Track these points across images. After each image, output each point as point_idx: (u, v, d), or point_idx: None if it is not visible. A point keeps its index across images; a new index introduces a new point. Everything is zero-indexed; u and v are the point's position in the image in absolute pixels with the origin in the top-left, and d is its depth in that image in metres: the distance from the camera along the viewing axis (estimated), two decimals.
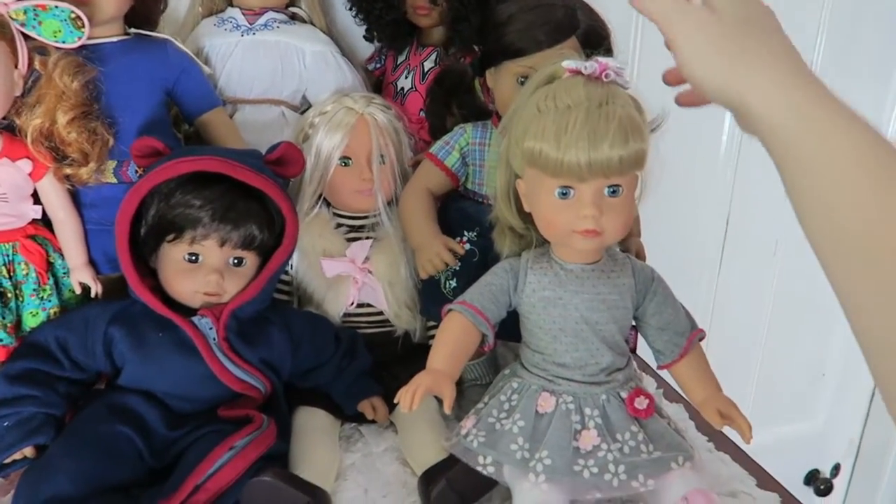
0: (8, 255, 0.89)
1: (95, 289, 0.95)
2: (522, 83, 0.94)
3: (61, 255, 0.94)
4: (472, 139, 1.03)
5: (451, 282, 1.00)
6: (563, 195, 0.78)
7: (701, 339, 0.90)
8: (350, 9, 1.22)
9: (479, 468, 0.81)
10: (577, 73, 0.79)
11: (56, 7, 0.85)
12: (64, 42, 0.87)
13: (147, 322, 0.89)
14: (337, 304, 1.06)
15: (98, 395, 0.91)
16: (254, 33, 1.13)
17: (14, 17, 0.84)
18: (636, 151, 0.76)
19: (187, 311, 0.90)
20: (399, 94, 1.23)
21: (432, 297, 1.01)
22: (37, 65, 0.87)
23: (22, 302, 0.90)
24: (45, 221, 0.94)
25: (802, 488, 2.13)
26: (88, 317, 0.90)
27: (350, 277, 1.05)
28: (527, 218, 0.87)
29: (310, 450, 0.91)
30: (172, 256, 0.90)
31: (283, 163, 0.95)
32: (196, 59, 1.05)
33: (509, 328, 0.90)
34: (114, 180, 0.95)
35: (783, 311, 1.88)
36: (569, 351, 0.84)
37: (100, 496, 0.78)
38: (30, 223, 0.91)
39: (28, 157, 0.88)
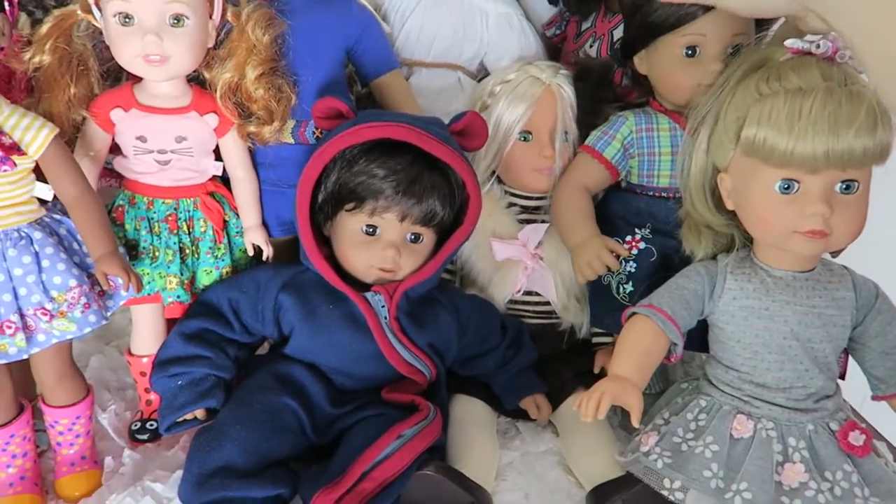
0: (189, 211, 0.88)
1: (267, 251, 0.93)
2: (689, 55, 0.86)
3: (236, 214, 0.92)
4: (636, 126, 0.93)
5: (625, 286, 0.90)
6: (786, 189, 0.70)
7: None
8: None
9: (665, 492, 0.74)
10: (804, 53, 0.70)
11: None
12: None
13: (318, 292, 0.86)
14: (503, 290, 0.99)
15: (263, 361, 0.89)
16: None
17: None
18: (883, 142, 0.67)
19: (359, 286, 0.86)
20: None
21: (604, 304, 0.92)
22: (229, 16, 0.84)
23: (198, 259, 0.89)
24: (223, 180, 0.92)
25: None
26: (260, 281, 0.87)
27: (520, 262, 0.98)
28: (727, 215, 0.78)
29: (470, 444, 0.86)
30: (349, 227, 0.85)
31: (467, 134, 0.88)
32: (377, 16, 1.00)
33: (692, 336, 0.81)
34: (291, 141, 0.92)
35: None
36: (771, 370, 0.76)
37: (266, 469, 0.76)
38: (209, 180, 0.90)
39: (215, 112, 0.86)
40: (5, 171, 0.70)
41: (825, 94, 0.66)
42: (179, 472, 0.79)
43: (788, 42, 0.71)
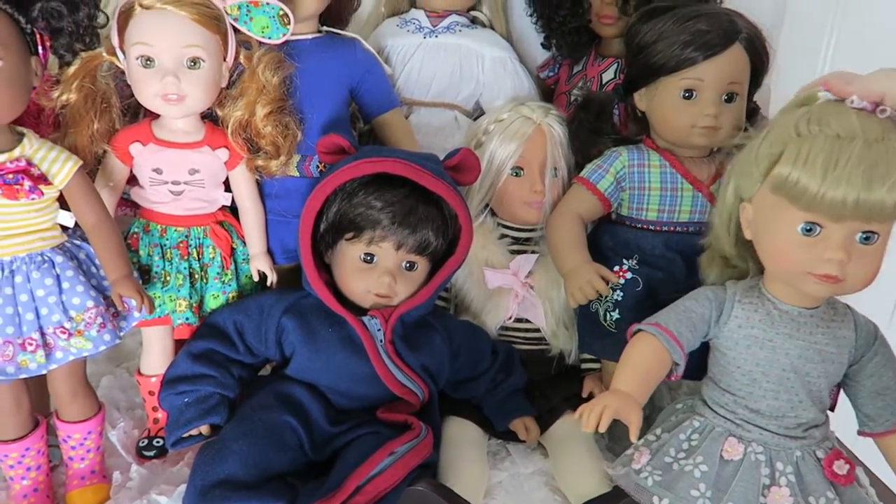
0: (199, 239, 0.93)
1: (272, 278, 0.98)
2: (687, 97, 0.91)
3: (243, 242, 0.97)
4: (628, 161, 0.97)
5: (612, 314, 0.94)
6: (808, 231, 0.70)
7: None
8: (531, 15, 1.19)
9: None
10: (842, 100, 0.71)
11: (267, 4, 0.88)
12: (270, 38, 0.90)
13: (318, 316, 0.91)
14: (495, 317, 1.04)
15: (265, 381, 0.93)
16: (436, 36, 1.13)
17: (229, 12, 0.88)
18: None
19: (357, 311, 0.91)
20: (572, 104, 1.19)
21: (592, 331, 0.96)
22: (241, 59, 0.90)
23: (206, 284, 0.94)
24: (231, 210, 0.98)
25: None
26: (264, 305, 0.92)
27: (511, 290, 1.02)
28: (743, 246, 0.79)
29: (461, 463, 0.90)
30: (349, 254, 0.91)
31: (461, 169, 0.94)
32: (380, 59, 1.06)
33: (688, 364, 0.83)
34: (296, 174, 0.98)
35: None
36: (766, 398, 0.77)
37: (266, 482, 0.80)
38: (219, 209, 0.96)
39: (226, 147, 0.92)
40: (33, 199, 0.76)
41: (864, 146, 0.66)
42: (184, 486, 0.83)
43: (824, 91, 0.71)
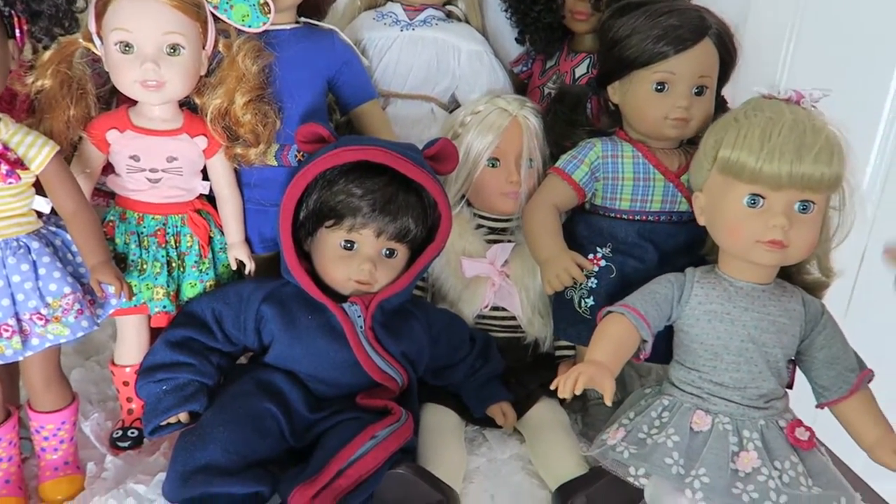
0: (176, 227, 0.93)
1: (250, 266, 0.98)
2: (659, 89, 0.94)
3: (221, 230, 0.97)
4: (602, 152, 1.00)
5: (587, 300, 0.97)
6: (752, 203, 0.79)
7: (870, 381, 0.86)
8: (505, 10, 1.21)
9: (630, 479, 0.80)
10: (772, 97, 0.82)
11: None
12: (250, 26, 0.91)
13: (298, 304, 0.91)
14: (472, 305, 1.05)
15: (244, 369, 0.93)
16: (413, 29, 1.15)
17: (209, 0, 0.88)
18: (837, 173, 0.77)
19: (337, 298, 0.92)
20: (545, 98, 1.22)
21: (567, 317, 0.99)
22: (220, 47, 0.90)
23: (183, 272, 0.94)
24: (209, 199, 0.97)
25: None
26: (243, 293, 0.92)
27: (488, 279, 1.04)
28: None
29: (440, 448, 0.91)
30: (329, 242, 0.91)
31: (439, 158, 0.95)
32: (357, 51, 1.07)
33: (655, 348, 0.87)
34: (274, 163, 0.98)
35: None
36: (729, 370, 0.83)
37: (246, 469, 0.80)
38: (197, 198, 0.95)
39: (205, 135, 0.91)
40: (10, 183, 0.75)
41: (792, 123, 0.77)
42: (162, 475, 0.83)
43: (758, 87, 0.83)
